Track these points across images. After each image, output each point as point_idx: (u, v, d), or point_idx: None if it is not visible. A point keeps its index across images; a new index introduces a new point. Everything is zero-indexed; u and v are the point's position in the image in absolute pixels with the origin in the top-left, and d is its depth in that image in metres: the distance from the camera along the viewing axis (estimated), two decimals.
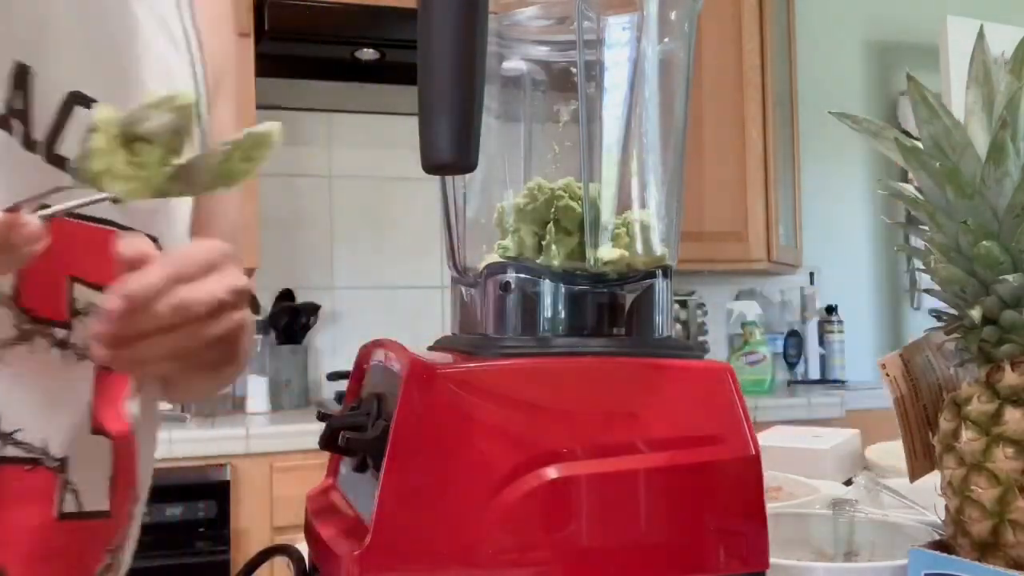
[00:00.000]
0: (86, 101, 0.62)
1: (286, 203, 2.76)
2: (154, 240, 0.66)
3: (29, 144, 0.60)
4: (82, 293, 0.63)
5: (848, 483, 1.00)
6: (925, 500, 0.83)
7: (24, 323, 0.60)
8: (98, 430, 0.64)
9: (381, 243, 2.85)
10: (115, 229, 0.63)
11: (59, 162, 0.61)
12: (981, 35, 0.57)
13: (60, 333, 0.62)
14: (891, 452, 1.11)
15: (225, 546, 2.03)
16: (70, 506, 0.62)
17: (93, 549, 0.65)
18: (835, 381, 3.10)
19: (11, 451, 0.59)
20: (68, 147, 0.60)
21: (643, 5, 0.57)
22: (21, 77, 0.59)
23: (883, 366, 0.71)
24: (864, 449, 1.18)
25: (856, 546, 0.73)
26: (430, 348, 0.61)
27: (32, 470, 0.60)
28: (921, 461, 0.72)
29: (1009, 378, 0.57)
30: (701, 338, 2.97)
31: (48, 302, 0.61)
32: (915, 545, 0.58)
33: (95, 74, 0.63)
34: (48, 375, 0.61)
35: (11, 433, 0.59)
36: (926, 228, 0.60)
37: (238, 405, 2.52)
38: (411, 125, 0.47)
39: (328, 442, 0.54)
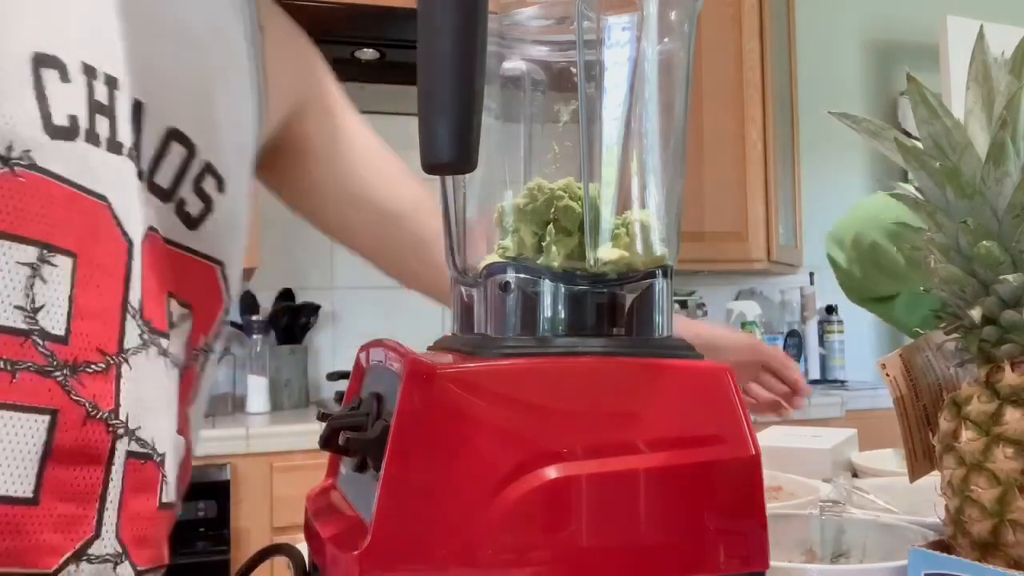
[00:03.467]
0: (180, 137, 0.71)
1: None
2: (219, 264, 0.76)
3: (139, 174, 0.68)
4: (174, 307, 0.72)
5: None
6: (899, 502, 0.83)
7: (144, 333, 0.68)
8: (179, 431, 0.73)
9: None
10: (191, 255, 0.74)
11: (155, 190, 0.69)
12: (981, 35, 0.57)
13: (164, 343, 0.70)
14: (878, 458, 1.11)
15: (225, 546, 2.03)
16: (165, 497, 0.71)
17: (166, 535, 0.74)
18: (835, 381, 3.10)
19: (133, 446, 0.67)
20: (162, 177, 0.70)
21: (643, 5, 0.57)
22: (136, 112, 0.68)
23: (883, 366, 0.71)
24: (858, 451, 1.18)
25: (847, 547, 0.73)
26: (430, 348, 0.61)
27: (144, 464, 0.68)
28: (921, 461, 0.72)
29: (1009, 378, 0.57)
30: None
31: (157, 315, 0.69)
32: (914, 545, 0.58)
33: (186, 112, 0.72)
34: (157, 381, 0.69)
35: (134, 430, 0.67)
36: (926, 228, 0.60)
37: (238, 405, 2.52)
38: (411, 125, 0.47)
39: (328, 442, 0.54)
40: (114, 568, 0.65)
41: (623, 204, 0.56)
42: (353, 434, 0.52)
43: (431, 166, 0.47)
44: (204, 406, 0.81)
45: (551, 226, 0.55)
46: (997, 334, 0.58)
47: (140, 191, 0.68)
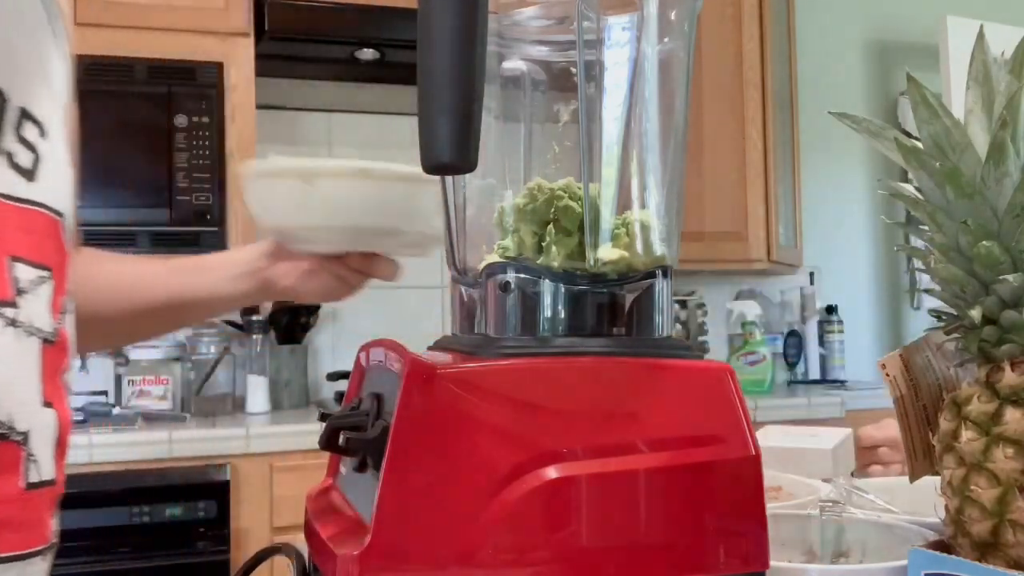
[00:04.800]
0: None
1: None
2: (61, 215, 0.70)
3: None
4: (23, 272, 0.66)
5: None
6: (899, 502, 0.83)
7: None
8: (47, 403, 0.68)
9: None
10: (39, 209, 0.68)
11: None
12: (981, 35, 0.57)
13: (9, 312, 0.64)
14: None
15: (225, 546, 2.03)
16: (33, 476, 0.66)
17: (47, 514, 0.69)
18: (835, 381, 3.09)
19: None
20: None
21: (643, 5, 0.57)
22: None
23: (883, 366, 0.71)
24: (854, 451, 1.18)
25: (847, 546, 0.73)
26: (430, 348, 0.61)
27: (1, 444, 0.63)
28: (921, 461, 0.72)
29: (1009, 378, 0.57)
30: (701, 338, 2.97)
31: None
32: (914, 545, 0.58)
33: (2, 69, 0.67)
34: (7, 356, 0.64)
35: None
36: (926, 228, 0.60)
37: (238, 405, 2.52)
38: (411, 125, 0.47)
39: (328, 442, 0.54)
40: None
41: (623, 204, 0.56)
42: (353, 434, 0.52)
43: (431, 166, 0.47)
44: (74, 368, 0.76)
45: (551, 226, 0.55)
46: (997, 334, 0.58)
47: None
